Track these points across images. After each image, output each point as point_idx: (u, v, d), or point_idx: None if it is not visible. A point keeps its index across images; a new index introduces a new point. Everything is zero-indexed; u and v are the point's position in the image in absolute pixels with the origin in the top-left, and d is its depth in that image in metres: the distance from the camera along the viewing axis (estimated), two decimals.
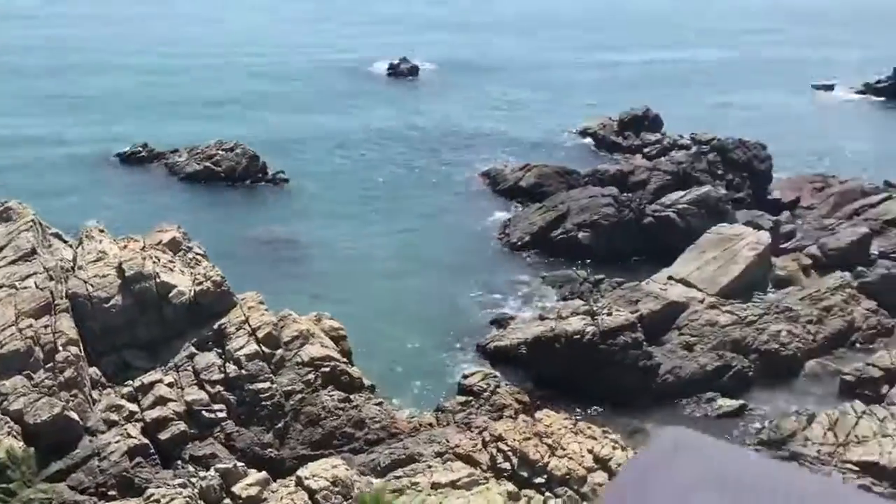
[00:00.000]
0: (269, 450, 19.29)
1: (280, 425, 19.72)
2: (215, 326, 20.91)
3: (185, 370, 20.28)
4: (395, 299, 28.77)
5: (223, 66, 63.78)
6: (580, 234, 33.86)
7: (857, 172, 42.17)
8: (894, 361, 24.19)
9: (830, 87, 65.11)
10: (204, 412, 19.43)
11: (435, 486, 16.83)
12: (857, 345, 26.74)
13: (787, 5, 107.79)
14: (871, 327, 27.55)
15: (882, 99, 61.85)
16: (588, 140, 49.74)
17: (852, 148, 49.44)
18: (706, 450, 1.15)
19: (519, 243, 34.40)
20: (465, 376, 23.14)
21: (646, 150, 46.82)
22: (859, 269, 31.42)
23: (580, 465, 17.70)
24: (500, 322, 27.20)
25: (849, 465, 19.20)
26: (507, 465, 18.26)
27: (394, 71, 65.60)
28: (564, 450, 18.01)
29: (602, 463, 17.68)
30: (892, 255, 33.80)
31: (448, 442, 19.09)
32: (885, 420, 19.94)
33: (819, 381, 24.79)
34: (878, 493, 18.16)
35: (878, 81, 63.81)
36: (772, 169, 40.13)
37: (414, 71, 65.71)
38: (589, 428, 19.21)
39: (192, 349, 20.67)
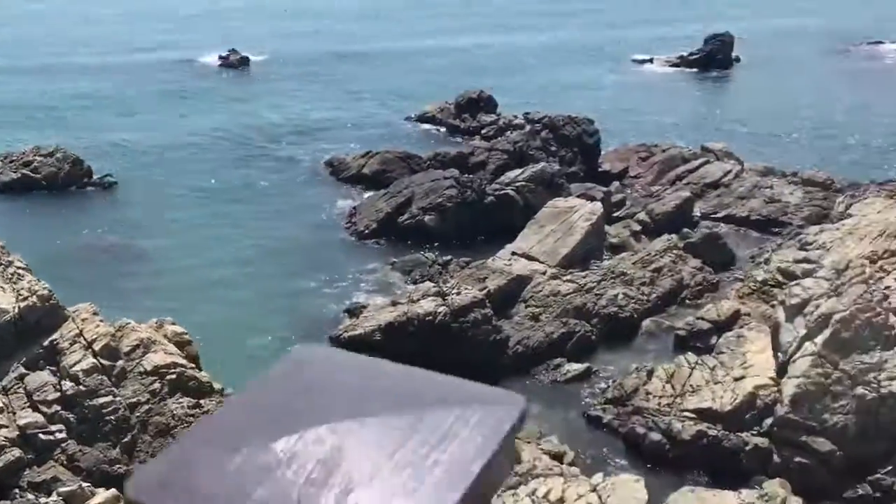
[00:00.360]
0: (118, 466, 18.37)
1: (127, 439, 18.82)
2: (46, 343, 19.63)
3: (16, 392, 18.93)
4: (242, 299, 28.06)
5: (41, 68, 59.57)
6: (426, 218, 34.27)
7: (677, 140, 45.00)
8: (720, 314, 26.12)
9: (649, 61, 68.95)
10: (40, 435, 18.22)
11: None
12: (687, 301, 28.62)
13: None
14: (698, 284, 29.57)
15: (695, 70, 66.14)
16: (427, 125, 50.32)
17: (671, 117, 52.72)
18: (323, 360, 1.22)
19: (366, 231, 34.39)
20: None
21: (483, 131, 47.92)
22: (684, 230, 33.63)
23: None
24: (353, 311, 27.13)
25: (686, 413, 20.59)
26: None
27: (224, 63, 63.62)
28: None
29: None
30: (713, 216, 36.44)
31: None
32: (714, 368, 21.50)
33: (655, 338, 26.38)
34: (713, 436, 19.62)
35: (691, 54, 68.20)
36: (600, 142, 42.10)
37: (245, 62, 63.99)
38: None
39: (22, 369, 19.31)
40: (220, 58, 64.02)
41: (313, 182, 40.77)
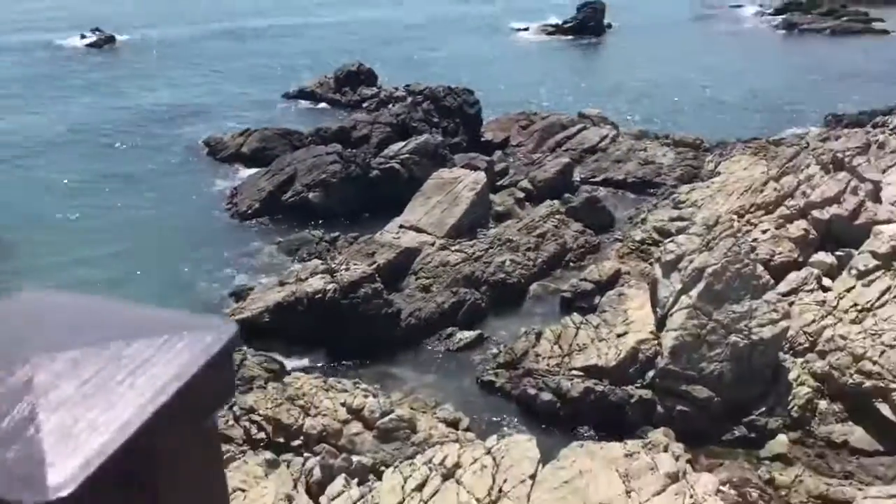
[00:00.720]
0: None
1: None
2: None
3: None
4: (121, 291, 26.92)
5: None
6: (311, 195, 33.77)
7: (555, 107, 45.93)
8: (602, 274, 27.01)
9: (525, 30, 69.91)
10: None
11: None
12: (571, 264, 29.44)
13: None
14: (581, 246, 30.46)
15: (570, 37, 67.56)
16: (307, 101, 49.47)
17: (549, 85, 53.75)
18: (30, 298, 1.20)
19: (249, 211, 33.60)
20: None
21: (365, 104, 47.52)
22: (565, 195, 34.49)
23: (335, 419, 17.94)
24: (239, 294, 26.52)
25: (574, 372, 21.26)
26: (262, 436, 18.06)
27: (89, 44, 60.38)
28: (318, 408, 18.14)
29: (356, 413, 18.06)
30: (592, 180, 37.51)
31: None
32: (598, 327, 22.25)
33: (543, 302, 27.05)
34: (600, 391, 20.34)
35: (565, 22, 69.59)
36: (481, 112, 42.49)
37: (111, 41, 60.98)
38: (339, 383, 19.49)
39: None
40: (84, 38, 60.71)
41: (190, 164, 39.45)
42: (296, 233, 31.29)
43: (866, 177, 25.05)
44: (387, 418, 17.93)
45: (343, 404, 18.21)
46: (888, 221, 23.05)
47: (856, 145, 27.49)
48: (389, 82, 50.13)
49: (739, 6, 78.75)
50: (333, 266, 25.56)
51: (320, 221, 32.33)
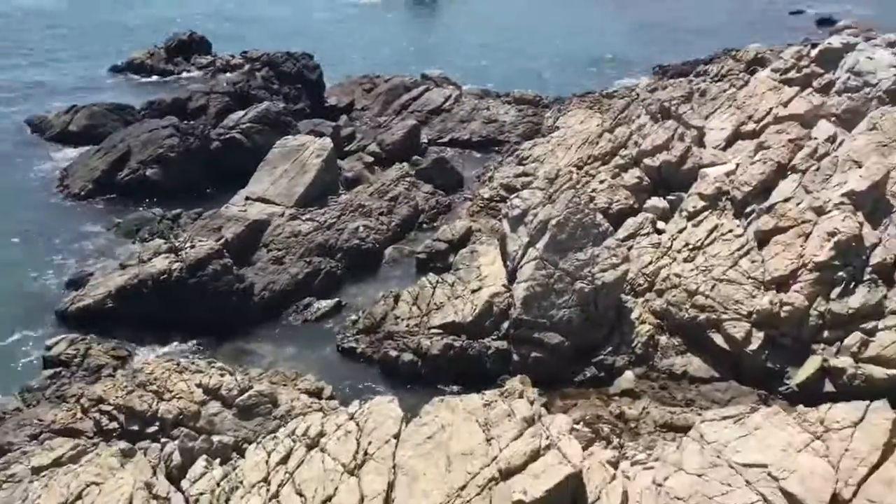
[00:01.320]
0: None
1: None
2: None
3: None
4: None
5: None
6: (148, 171, 32.19)
7: (398, 69, 45.79)
8: (454, 233, 27.44)
9: None
10: None
11: (36, 469, 15.32)
12: (424, 225, 29.73)
13: None
14: (433, 207, 30.78)
15: None
16: (137, 74, 46.86)
17: (390, 46, 53.50)
18: None
19: (82, 192, 31.65)
20: (49, 347, 21.11)
21: (199, 73, 45.59)
22: (414, 157, 34.70)
23: (191, 401, 17.41)
24: (78, 281, 25.01)
25: (434, 330, 21.60)
26: (114, 425, 17.28)
27: None
28: (172, 392, 17.53)
29: (213, 392, 17.58)
30: (439, 141, 37.88)
31: (41, 421, 17.40)
32: (454, 284, 22.65)
33: (399, 265, 27.22)
34: (459, 346, 20.76)
35: None
36: (322, 77, 41.77)
37: None
38: (193, 364, 18.90)
39: None
40: None
41: (13, 146, 36.61)
42: (134, 212, 29.83)
43: (691, 123, 26.61)
44: (246, 395, 17.58)
45: (199, 385, 17.69)
46: (712, 164, 24.66)
47: (680, 94, 29.13)
48: (224, 49, 48.27)
49: None
50: (177, 244, 24.57)
51: (160, 199, 30.93)
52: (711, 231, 22.18)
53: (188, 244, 24.40)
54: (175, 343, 22.40)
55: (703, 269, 21.31)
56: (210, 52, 48.10)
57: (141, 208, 30.29)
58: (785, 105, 25.34)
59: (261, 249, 26.57)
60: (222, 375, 18.03)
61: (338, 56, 48.85)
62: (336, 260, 26.44)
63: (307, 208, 28.40)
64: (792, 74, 26.32)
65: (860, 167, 21.19)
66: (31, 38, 54.17)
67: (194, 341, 22.54)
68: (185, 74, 46.40)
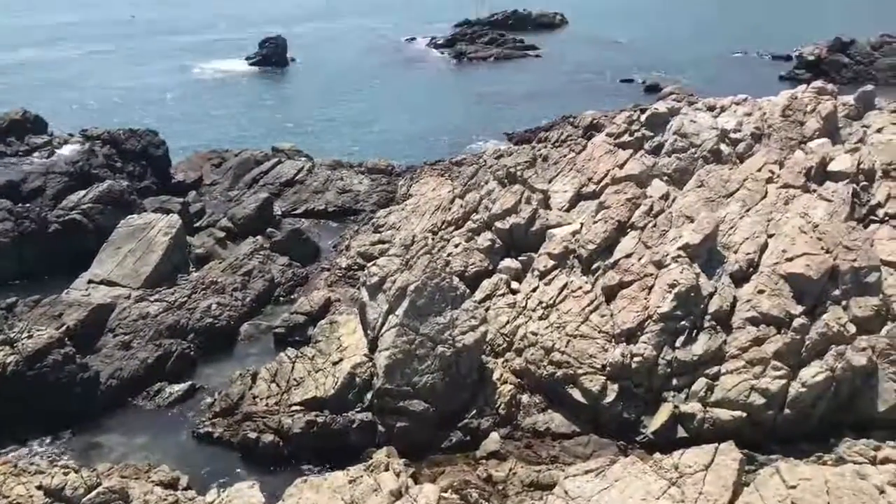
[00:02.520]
0: None
1: None
2: None
3: None
4: None
5: None
6: None
7: (247, 143, 45.34)
8: (313, 305, 27.06)
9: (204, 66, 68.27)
10: None
11: None
12: (281, 298, 29.15)
13: None
14: (289, 280, 30.28)
15: (255, 70, 67.22)
16: None
17: (238, 119, 52.97)
18: None
19: None
20: None
21: (35, 154, 43.26)
22: (269, 230, 34.17)
23: None
24: None
25: (295, 407, 21.01)
26: None
27: None
28: (8, 497, 16.05)
29: (56, 494, 16.23)
30: (294, 213, 37.56)
31: None
32: (314, 358, 22.23)
33: (256, 341, 26.44)
34: (322, 422, 20.28)
35: (248, 57, 69.16)
36: (168, 152, 40.71)
37: None
38: (33, 465, 17.44)
39: None
40: None
41: None
42: None
43: (536, 187, 27.75)
44: (94, 493, 16.34)
45: (39, 487, 16.29)
46: (558, 225, 25.73)
47: (525, 160, 30.37)
48: (61, 126, 46.17)
49: (413, 38, 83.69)
50: (13, 336, 22.83)
51: None
52: (562, 289, 23.00)
53: (25, 334, 22.73)
54: (12, 443, 20.64)
55: (558, 325, 21.99)
56: (46, 130, 45.81)
57: None
58: (621, 167, 26.95)
59: (107, 335, 25.16)
60: (66, 474, 16.69)
61: (185, 130, 47.83)
62: (188, 341, 25.39)
63: (156, 289, 27.25)
64: (625, 138, 28.11)
65: (692, 221, 22.73)
66: None
67: (35, 439, 20.86)
68: (18, 156, 43.84)
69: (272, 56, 68.78)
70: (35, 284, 29.10)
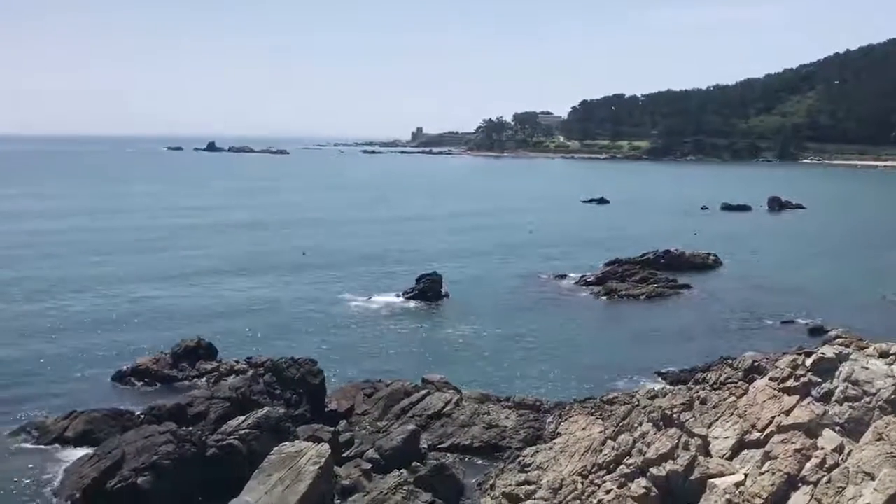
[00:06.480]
0: None
1: None
2: None
3: None
4: None
5: None
6: (140, 479, 31.21)
7: (398, 374, 46.41)
8: None
9: (367, 299, 72.12)
10: None
11: None
12: None
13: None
14: None
15: (410, 305, 70.24)
16: (141, 380, 47.33)
17: (391, 352, 54.68)
18: None
19: (69, 503, 30.48)
20: None
21: (203, 379, 46.15)
22: (414, 464, 33.84)
23: None
24: None
25: None
26: None
27: None
28: None
29: None
30: (439, 447, 37.23)
31: None
32: None
33: None
34: None
35: (405, 292, 72.69)
36: (325, 381, 42.20)
37: None
38: None
39: None
40: None
41: (8, 454, 35.97)
42: None
43: (694, 432, 26.31)
44: None
45: None
46: (720, 475, 23.97)
47: (681, 402, 29.12)
48: (230, 354, 49.40)
49: (563, 276, 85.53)
50: None
51: None
52: None
53: None
54: None
55: None
56: (216, 357, 49.13)
57: None
58: (787, 413, 25.24)
59: None
60: None
61: (342, 360, 49.80)
62: None
63: None
64: (790, 383, 26.55)
65: (873, 479, 20.57)
66: (38, 336, 55.54)
67: None
68: (189, 380, 46.94)
69: (427, 291, 71.95)
70: None
